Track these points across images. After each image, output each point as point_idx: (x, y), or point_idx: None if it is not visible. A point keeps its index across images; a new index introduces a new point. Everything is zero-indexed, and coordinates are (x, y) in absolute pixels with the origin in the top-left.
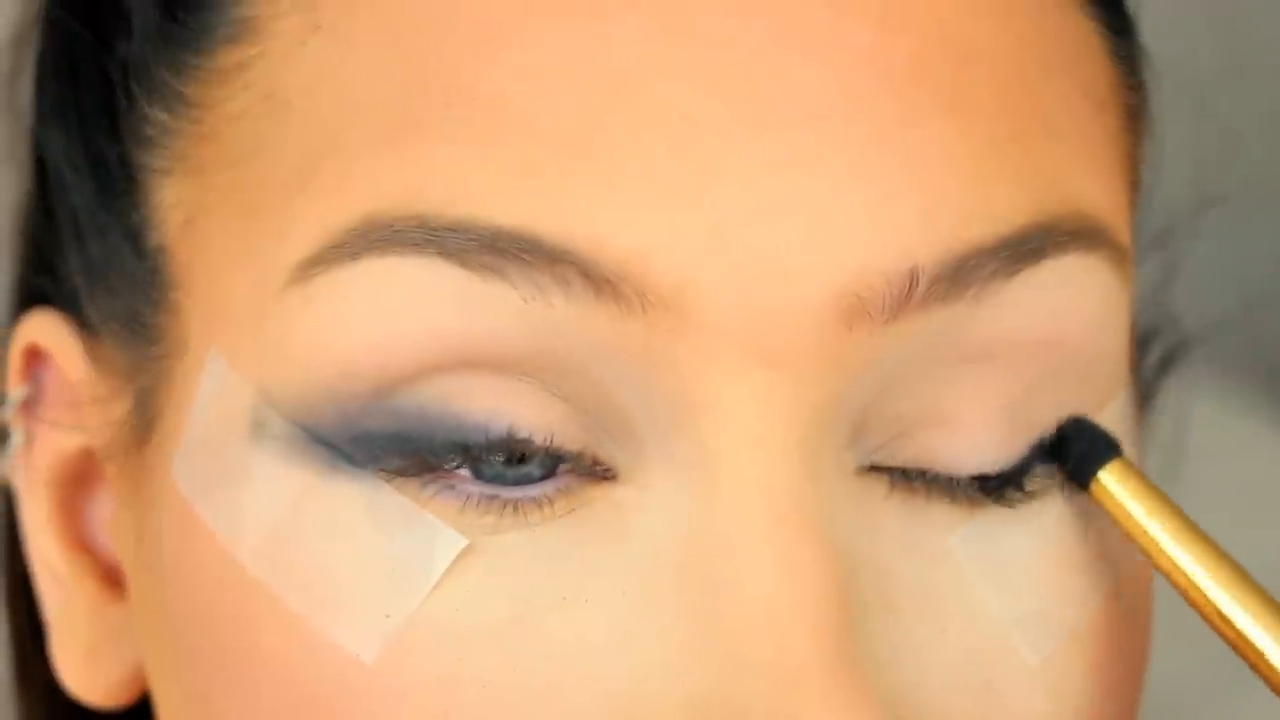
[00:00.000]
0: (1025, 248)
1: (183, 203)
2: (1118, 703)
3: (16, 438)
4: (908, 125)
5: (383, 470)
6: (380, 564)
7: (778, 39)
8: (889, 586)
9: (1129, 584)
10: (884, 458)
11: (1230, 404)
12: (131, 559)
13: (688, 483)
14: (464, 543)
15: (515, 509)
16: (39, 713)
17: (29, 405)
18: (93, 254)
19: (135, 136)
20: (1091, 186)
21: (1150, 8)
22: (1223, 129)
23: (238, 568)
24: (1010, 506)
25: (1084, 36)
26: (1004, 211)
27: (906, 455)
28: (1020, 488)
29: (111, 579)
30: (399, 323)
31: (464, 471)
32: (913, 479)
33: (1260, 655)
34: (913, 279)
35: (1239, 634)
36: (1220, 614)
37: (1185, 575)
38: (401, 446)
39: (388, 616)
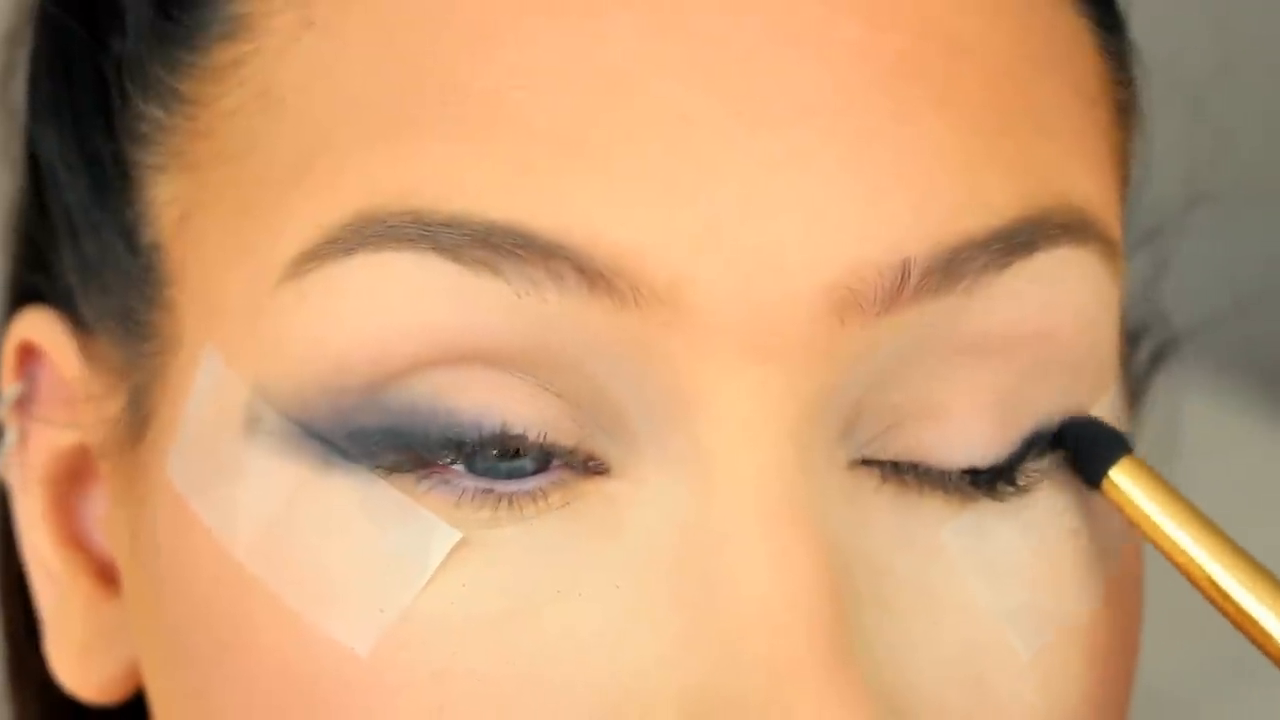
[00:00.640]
0: (1016, 240)
1: (177, 199)
2: (1109, 695)
3: (11, 435)
4: (899, 120)
5: (378, 466)
6: (375, 559)
7: (771, 36)
8: (882, 580)
9: (1120, 577)
10: (876, 451)
11: (1223, 401)
12: (126, 556)
13: (681, 476)
14: (459, 537)
15: (510, 502)
16: (34, 710)
17: (23, 403)
18: (87, 251)
19: (130, 133)
20: (1082, 181)
21: (1142, 5)
22: (1214, 126)
23: (233, 564)
24: (1002, 500)
25: (1074, 32)
26: (995, 204)
27: (898, 448)
28: (1012, 482)
29: (106, 576)
30: (393, 317)
31: (458, 466)
32: (904, 472)
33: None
34: (904, 271)
35: (1261, 630)
36: (1240, 609)
37: (1203, 571)
38: (395, 442)
39: (382, 611)
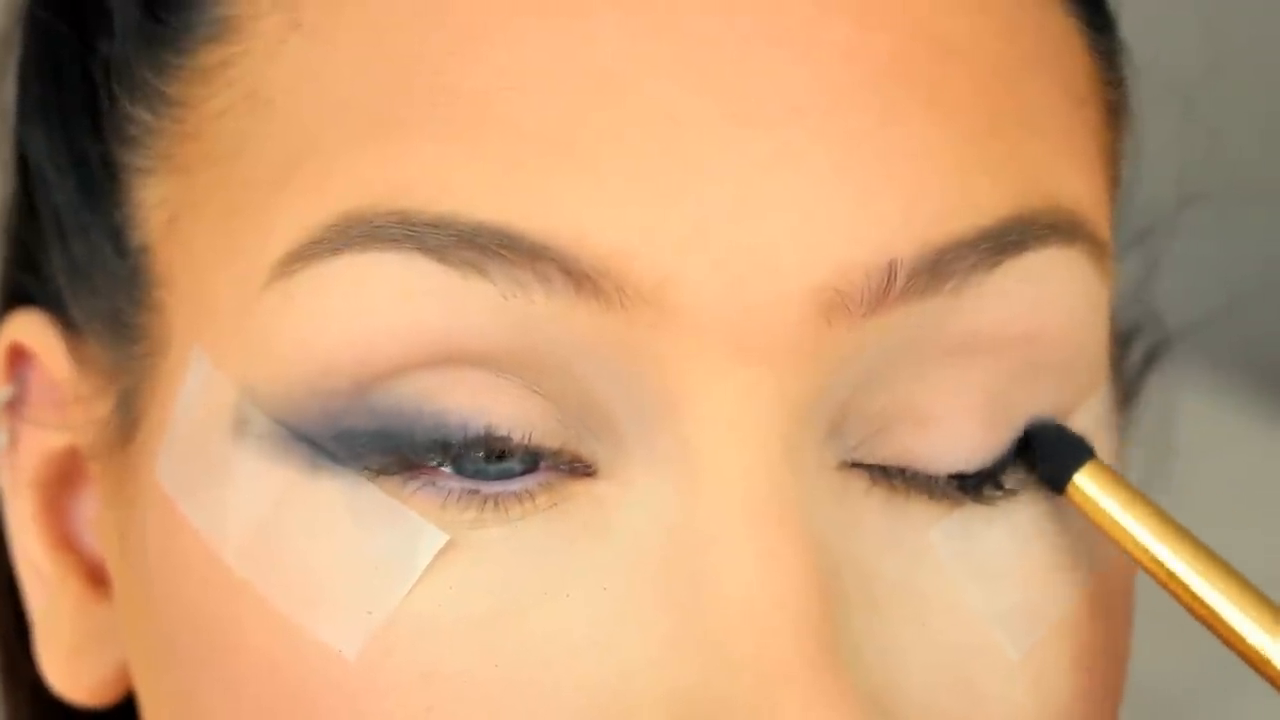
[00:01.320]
0: (1005, 240)
1: (165, 201)
2: (1099, 696)
3: (1, 438)
4: (888, 121)
5: (365, 468)
6: (362, 561)
7: (760, 36)
8: (870, 582)
9: (1109, 578)
10: (863, 454)
11: (1219, 400)
12: (116, 558)
13: (669, 478)
14: (446, 538)
15: (496, 504)
16: (25, 712)
17: (13, 405)
18: (75, 253)
19: (118, 135)
20: (1071, 181)
21: (1132, 5)
22: (1206, 127)
23: (221, 566)
24: (989, 504)
25: (1063, 32)
26: (984, 205)
27: (886, 453)
28: (999, 485)
29: (96, 578)
30: (379, 318)
31: (445, 468)
32: (892, 476)
33: (1245, 643)
34: (891, 272)
35: (1225, 625)
36: (1205, 605)
37: (1167, 570)
38: (383, 444)
39: (370, 613)
